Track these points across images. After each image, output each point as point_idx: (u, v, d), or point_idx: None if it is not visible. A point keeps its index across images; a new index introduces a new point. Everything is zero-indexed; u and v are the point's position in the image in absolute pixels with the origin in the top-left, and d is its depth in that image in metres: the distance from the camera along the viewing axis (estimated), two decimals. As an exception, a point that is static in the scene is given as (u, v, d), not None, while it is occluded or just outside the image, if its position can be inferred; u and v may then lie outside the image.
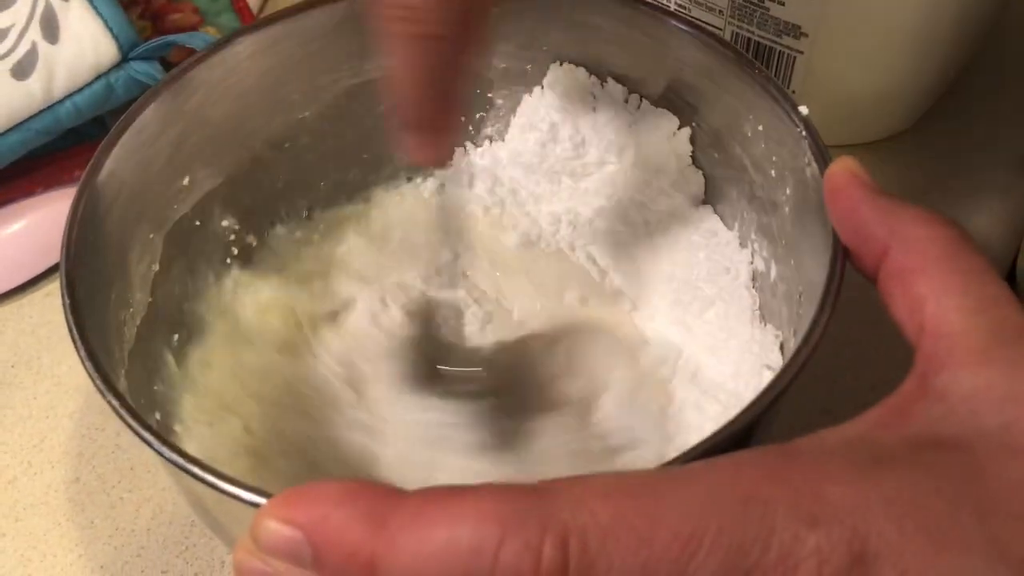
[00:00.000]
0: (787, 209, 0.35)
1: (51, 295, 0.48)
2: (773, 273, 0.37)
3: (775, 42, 0.47)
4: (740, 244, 0.39)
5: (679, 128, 0.40)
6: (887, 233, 0.27)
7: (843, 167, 0.30)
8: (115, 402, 0.27)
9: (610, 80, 0.41)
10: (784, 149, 0.34)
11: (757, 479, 0.21)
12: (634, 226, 0.41)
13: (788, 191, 0.35)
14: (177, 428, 0.35)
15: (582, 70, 0.41)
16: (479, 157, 0.44)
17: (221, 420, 0.36)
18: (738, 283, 0.38)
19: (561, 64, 0.42)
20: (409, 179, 0.45)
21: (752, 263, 0.38)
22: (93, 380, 0.27)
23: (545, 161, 0.43)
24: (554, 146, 0.42)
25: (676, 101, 0.40)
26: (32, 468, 0.42)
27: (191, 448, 0.34)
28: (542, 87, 0.42)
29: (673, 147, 0.40)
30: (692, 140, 0.40)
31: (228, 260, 0.41)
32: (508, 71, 0.43)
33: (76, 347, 0.28)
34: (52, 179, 0.48)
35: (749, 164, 0.37)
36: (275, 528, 0.21)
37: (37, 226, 0.48)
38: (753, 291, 0.38)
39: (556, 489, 0.20)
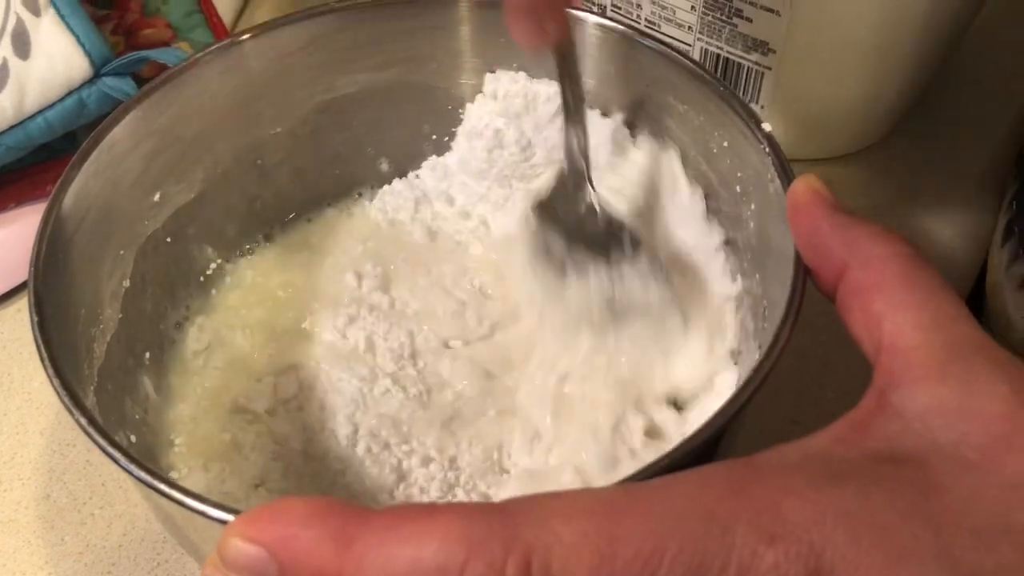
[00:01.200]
0: (752, 224, 0.36)
1: (22, 311, 0.48)
2: (738, 287, 0.37)
3: (743, 58, 0.48)
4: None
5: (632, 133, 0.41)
6: (845, 250, 0.27)
7: (805, 184, 0.30)
8: (82, 419, 0.27)
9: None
10: (748, 165, 0.35)
11: (718, 495, 0.21)
12: None
13: (753, 206, 0.36)
14: (157, 447, 0.35)
15: (522, 74, 0.42)
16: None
17: (205, 437, 0.36)
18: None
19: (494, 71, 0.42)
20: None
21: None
22: (60, 397, 0.28)
23: (494, 167, 0.43)
24: (501, 151, 0.43)
25: (641, 116, 0.40)
26: (2, 485, 0.42)
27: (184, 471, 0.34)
28: (483, 94, 0.43)
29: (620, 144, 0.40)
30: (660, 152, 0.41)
31: (201, 278, 0.41)
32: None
33: (44, 364, 0.28)
34: (24, 194, 0.48)
35: (715, 180, 0.38)
36: (241, 546, 0.21)
37: (8, 241, 0.48)
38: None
39: (520, 509, 0.21)
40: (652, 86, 0.39)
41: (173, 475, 0.36)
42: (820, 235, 0.28)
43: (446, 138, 0.44)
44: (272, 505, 0.22)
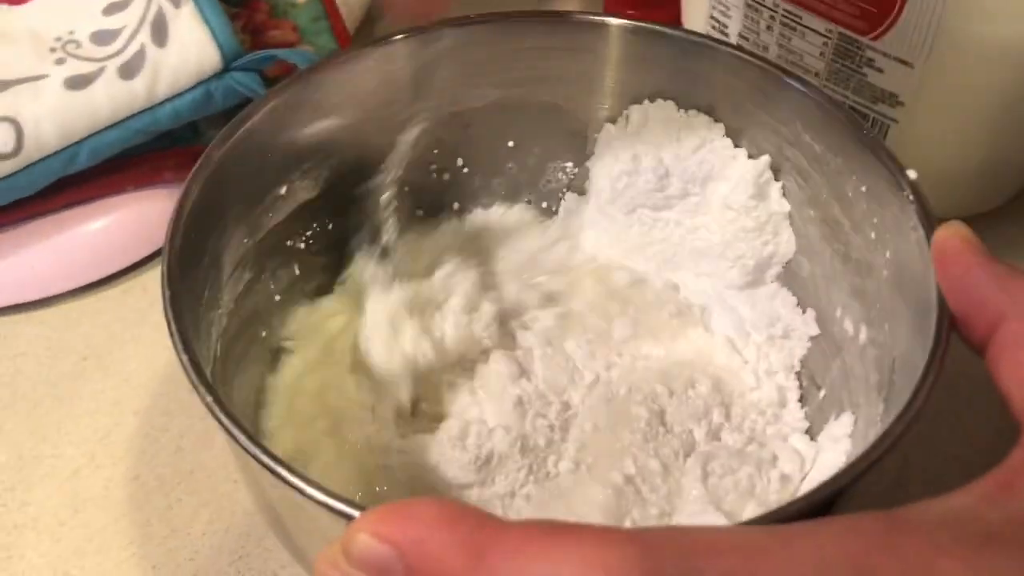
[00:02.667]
0: (885, 272, 0.35)
1: (128, 292, 0.49)
2: (863, 337, 0.36)
3: (870, 109, 0.47)
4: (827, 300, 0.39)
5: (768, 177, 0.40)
6: (1005, 299, 0.26)
7: (954, 232, 0.29)
8: (209, 398, 0.27)
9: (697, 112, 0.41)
10: (887, 212, 0.34)
11: (867, 547, 0.20)
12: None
13: (888, 254, 0.34)
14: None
15: (671, 103, 0.41)
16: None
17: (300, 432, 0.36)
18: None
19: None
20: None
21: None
22: (188, 374, 0.28)
23: (625, 193, 0.43)
24: (636, 177, 0.42)
25: (776, 156, 0.40)
26: (95, 461, 0.42)
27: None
28: (625, 119, 0.42)
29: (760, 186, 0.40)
30: (785, 194, 0.40)
31: (312, 280, 0.41)
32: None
33: (172, 339, 0.28)
34: (143, 178, 0.49)
35: (847, 224, 0.37)
36: (369, 543, 0.21)
37: (123, 224, 0.49)
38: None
39: (662, 540, 0.20)
40: (788, 124, 0.38)
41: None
42: (973, 283, 0.27)
43: (569, 163, 0.44)
44: (402, 504, 0.21)
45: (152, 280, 0.49)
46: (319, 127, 0.39)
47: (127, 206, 0.49)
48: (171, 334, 0.28)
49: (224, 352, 0.34)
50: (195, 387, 0.27)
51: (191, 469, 0.42)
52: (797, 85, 0.37)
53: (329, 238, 0.41)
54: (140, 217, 0.49)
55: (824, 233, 0.38)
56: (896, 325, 0.33)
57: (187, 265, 0.32)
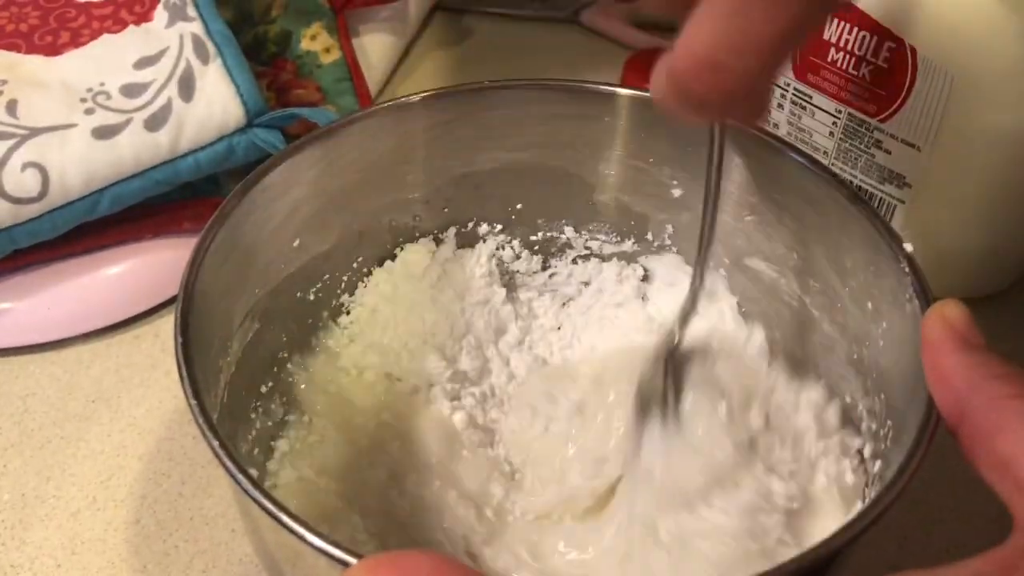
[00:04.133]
0: (881, 343, 0.35)
1: (140, 338, 0.50)
2: (860, 407, 0.36)
3: (877, 188, 0.48)
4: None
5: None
6: (968, 388, 0.27)
7: (939, 314, 0.29)
8: (215, 442, 0.27)
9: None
10: (885, 284, 0.35)
11: None
12: None
13: (884, 325, 0.35)
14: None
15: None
16: None
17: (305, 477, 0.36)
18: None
19: None
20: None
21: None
22: (196, 420, 0.28)
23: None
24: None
25: (778, 226, 0.40)
26: (96, 503, 0.42)
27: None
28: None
29: None
30: (796, 270, 0.41)
31: (321, 326, 0.42)
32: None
33: (183, 385, 0.29)
34: (162, 228, 0.50)
35: (846, 295, 0.38)
36: None
37: (140, 271, 0.50)
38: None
39: None
40: (789, 195, 0.39)
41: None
42: (946, 371, 0.28)
43: (567, 225, 0.45)
44: (396, 555, 0.22)
45: (164, 327, 0.50)
46: (332, 184, 0.40)
47: (145, 253, 0.50)
48: (181, 379, 0.29)
49: (231, 400, 0.35)
50: (202, 430, 0.28)
51: (191, 516, 0.42)
52: (796, 156, 0.38)
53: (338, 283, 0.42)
54: (157, 265, 0.50)
55: (822, 303, 0.39)
56: (891, 396, 0.34)
57: (199, 314, 0.33)
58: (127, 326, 0.50)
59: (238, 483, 0.26)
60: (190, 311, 0.32)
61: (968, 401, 0.27)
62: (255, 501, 0.26)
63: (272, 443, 0.39)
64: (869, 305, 0.36)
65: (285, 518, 0.25)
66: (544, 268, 0.46)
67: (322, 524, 0.34)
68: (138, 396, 0.47)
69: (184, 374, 0.29)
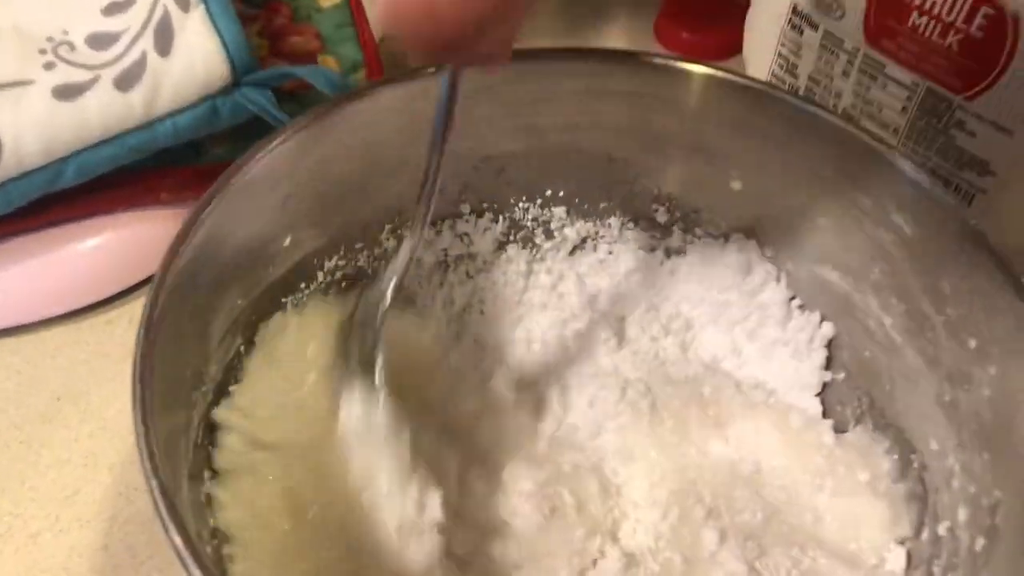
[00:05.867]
0: (987, 392, 0.30)
1: (113, 323, 0.44)
2: (951, 459, 0.31)
3: (954, 174, 0.42)
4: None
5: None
6: None
7: None
8: (177, 540, 0.22)
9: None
10: (999, 323, 0.29)
11: None
12: None
13: (993, 371, 0.29)
14: None
15: None
16: None
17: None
18: None
19: None
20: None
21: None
22: (157, 507, 0.23)
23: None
24: None
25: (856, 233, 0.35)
26: (59, 524, 0.38)
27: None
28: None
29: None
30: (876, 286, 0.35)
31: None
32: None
33: (140, 455, 0.24)
34: (136, 199, 0.44)
35: (939, 323, 0.32)
36: None
37: (111, 247, 0.44)
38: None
39: None
40: (876, 199, 0.33)
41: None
42: None
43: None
44: None
45: (140, 310, 0.44)
46: (332, 171, 0.34)
47: (117, 228, 0.44)
48: (140, 452, 0.24)
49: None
50: (162, 522, 0.23)
51: (165, 540, 0.37)
52: (898, 160, 0.32)
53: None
54: (130, 241, 0.44)
55: (908, 327, 0.33)
56: (998, 456, 0.28)
57: (170, 330, 0.27)
58: (98, 310, 0.44)
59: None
60: (157, 328, 0.26)
61: None
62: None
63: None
64: (972, 343, 0.30)
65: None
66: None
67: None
68: (109, 393, 0.42)
69: (144, 454, 0.24)
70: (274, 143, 0.32)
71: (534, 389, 0.38)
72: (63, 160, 0.41)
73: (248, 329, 0.33)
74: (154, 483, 0.23)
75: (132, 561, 0.36)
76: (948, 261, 0.31)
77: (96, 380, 0.42)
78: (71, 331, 0.43)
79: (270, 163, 0.31)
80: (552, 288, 0.40)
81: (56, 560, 0.37)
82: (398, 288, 0.31)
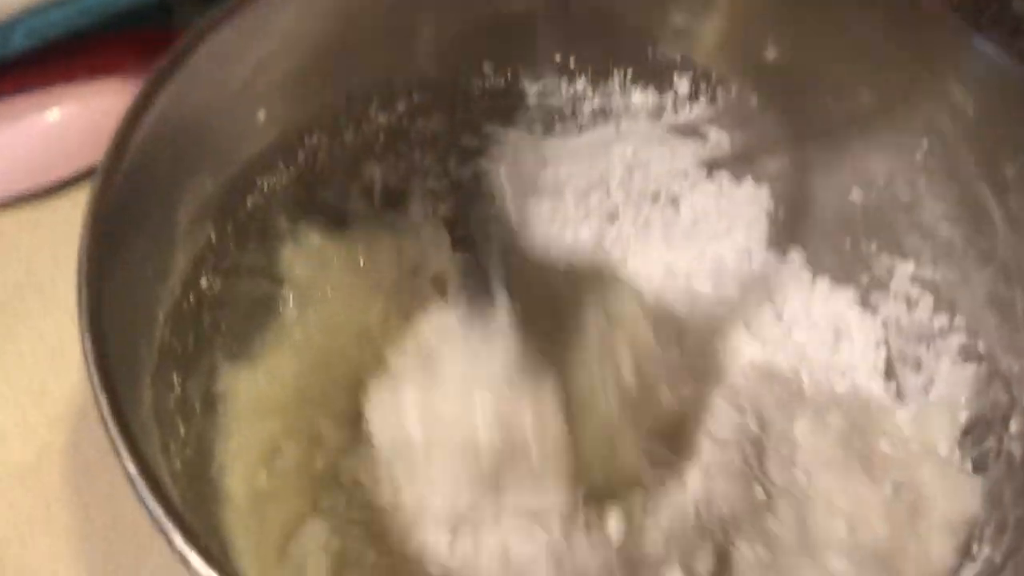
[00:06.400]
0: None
1: (78, 206, 0.40)
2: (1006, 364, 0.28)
3: (1008, 44, 0.38)
4: None
5: None
6: None
7: None
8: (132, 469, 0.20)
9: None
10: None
11: None
12: None
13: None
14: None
15: None
16: None
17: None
18: None
19: None
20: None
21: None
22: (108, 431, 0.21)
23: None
24: None
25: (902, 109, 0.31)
26: (27, 421, 0.36)
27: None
28: None
29: None
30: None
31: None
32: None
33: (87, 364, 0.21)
34: (99, 66, 0.41)
35: (998, 214, 0.29)
36: None
37: (73, 120, 0.41)
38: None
39: None
40: (937, 73, 0.29)
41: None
42: None
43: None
44: None
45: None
46: (313, 32, 0.30)
47: (78, 98, 0.41)
48: (94, 392, 0.22)
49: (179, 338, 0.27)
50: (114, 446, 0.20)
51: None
52: (962, 31, 0.28)
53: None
54: (95, 113, 0.41)
55: (962, 218, 0.30)
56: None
57: (127, 218, 0.25)
58: (62, 191, 0.41)
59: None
60: (111, 213, 0.24)
61: None
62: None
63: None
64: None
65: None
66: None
67: None
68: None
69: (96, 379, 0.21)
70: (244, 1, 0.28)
71: None
72: (9, 26, 0.37)
73: (219, 224, 0.29)
74: (103, 398, 0.20)
75: (104, 462, 0.34)
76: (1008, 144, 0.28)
77: (61, 268, 0.39)
78: (33, 214, 0.41)
79: (239, 24, 0.27)
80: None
81: (26, 462, 0.35)
82: None
